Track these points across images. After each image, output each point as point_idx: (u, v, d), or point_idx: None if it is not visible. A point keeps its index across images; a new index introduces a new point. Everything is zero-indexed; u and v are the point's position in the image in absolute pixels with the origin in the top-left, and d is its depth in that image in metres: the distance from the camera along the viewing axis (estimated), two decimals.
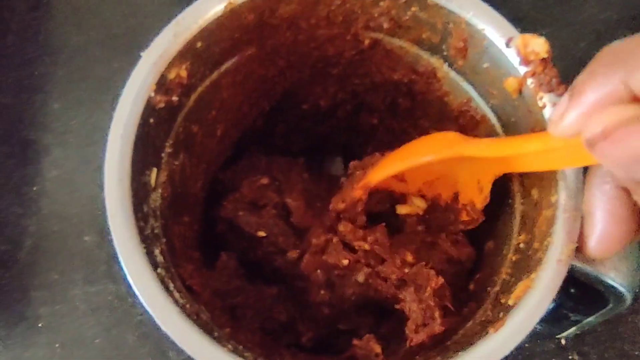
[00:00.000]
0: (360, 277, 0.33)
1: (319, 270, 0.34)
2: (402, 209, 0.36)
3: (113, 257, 0.45)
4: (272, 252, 0.36)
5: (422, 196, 0.36)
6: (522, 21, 0.47)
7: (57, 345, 0.43)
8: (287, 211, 0.36)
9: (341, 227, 0.34)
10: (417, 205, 0.36)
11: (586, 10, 0.54)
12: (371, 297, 0.34)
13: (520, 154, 0.27)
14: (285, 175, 0.38)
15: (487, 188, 0.32)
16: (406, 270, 0.33)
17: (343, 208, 0.34)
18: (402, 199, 0.36)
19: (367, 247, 0.33)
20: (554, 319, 0.36)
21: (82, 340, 0.44)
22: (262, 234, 0.36)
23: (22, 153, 0.48)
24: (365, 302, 0.35)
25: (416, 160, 0.32)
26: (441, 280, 0.32)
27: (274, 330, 0.36)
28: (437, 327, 0.31)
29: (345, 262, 0.33)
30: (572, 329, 0.39)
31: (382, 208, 0.36)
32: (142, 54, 0.29)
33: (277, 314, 0.36)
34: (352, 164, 0.36)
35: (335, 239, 0.34)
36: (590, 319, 0.35)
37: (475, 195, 0.33)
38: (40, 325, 0.44)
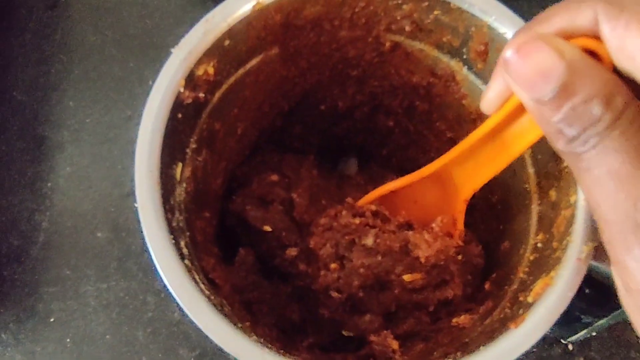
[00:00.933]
0: (369, 240, 0.34)
1: (327, 244, 0.34)
2: None
3: (125, 254, 0.46)
4: (275, 247, 0.36)
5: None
6: None
7: (67, 340, 0.44)
8: (293, 207, 0.37)
9: (348, 200, 0.36)
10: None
11: None
12: (379, 274, 0.34)
13: (464, 150, 0.31)
14: (295, 172, 0.38)
15: (461, 222, 0.35)
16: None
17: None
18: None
19: (373, 207, 0.35)
20: (565, 321, 0.36)
21: (93, 336, 0.44)
22: (267, 228, 0.36)
23: (37, 149, 0.49)
24: (373, 285, 0.35)
25: (384, 188, 0.36)
26: (446, 218, 0.34)
27: (287, 329, 0.36)
28: (457, 239, 0.33)
29: (357, 220, 0.34)
30: (582, 332, 0.39)
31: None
32: (172, 50, 0.29)
33: (290, 313, 0.36)
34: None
35: (344, 211, 0.35)
36: (602, 321, 0.35)
37: (452, 229, 0.35)
38: (51, 320, 0.44)
